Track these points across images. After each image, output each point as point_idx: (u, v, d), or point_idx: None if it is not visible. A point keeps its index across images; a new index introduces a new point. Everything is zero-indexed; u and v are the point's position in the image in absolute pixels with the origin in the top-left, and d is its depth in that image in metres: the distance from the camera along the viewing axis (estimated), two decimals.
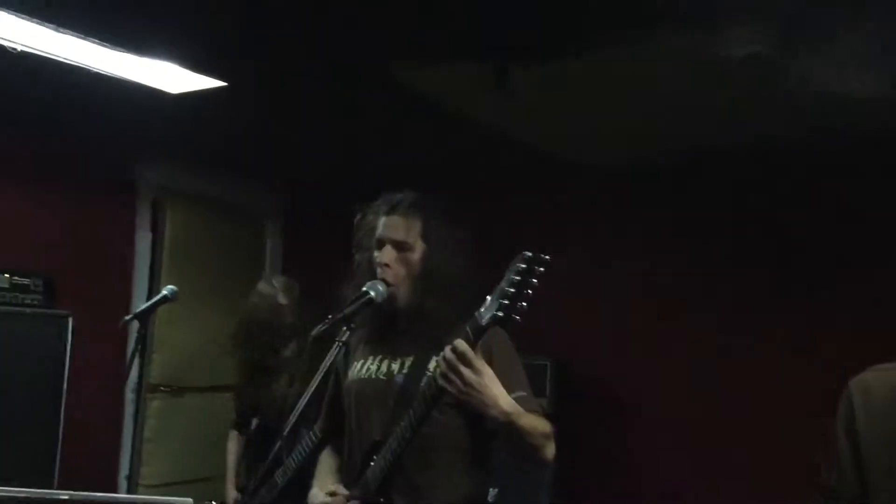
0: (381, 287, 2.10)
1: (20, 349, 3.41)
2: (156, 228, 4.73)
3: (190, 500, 1.66)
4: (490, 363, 1.95)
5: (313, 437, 3.07)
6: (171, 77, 3.38)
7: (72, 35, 2.82)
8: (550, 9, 2.81)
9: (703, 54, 2.96)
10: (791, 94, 3.22)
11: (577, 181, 4.56)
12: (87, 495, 1.62)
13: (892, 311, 3.69)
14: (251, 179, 5.14)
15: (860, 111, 3.35)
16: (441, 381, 1.90)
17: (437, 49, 3.22)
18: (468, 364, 1.86)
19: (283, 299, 3.66)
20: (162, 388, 4.73)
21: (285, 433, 1.99)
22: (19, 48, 2.87)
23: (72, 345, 3.53)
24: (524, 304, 1.79)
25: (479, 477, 2.18)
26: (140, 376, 4.54)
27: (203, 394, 4.81)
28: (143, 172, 4.64)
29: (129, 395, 4.49)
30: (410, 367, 2.14)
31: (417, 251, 2.16)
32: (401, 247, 2.16)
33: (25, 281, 3.50)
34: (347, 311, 2.05)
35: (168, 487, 4.62)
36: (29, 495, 1.56)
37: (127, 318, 2.92)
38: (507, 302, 1.79)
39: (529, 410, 2.01)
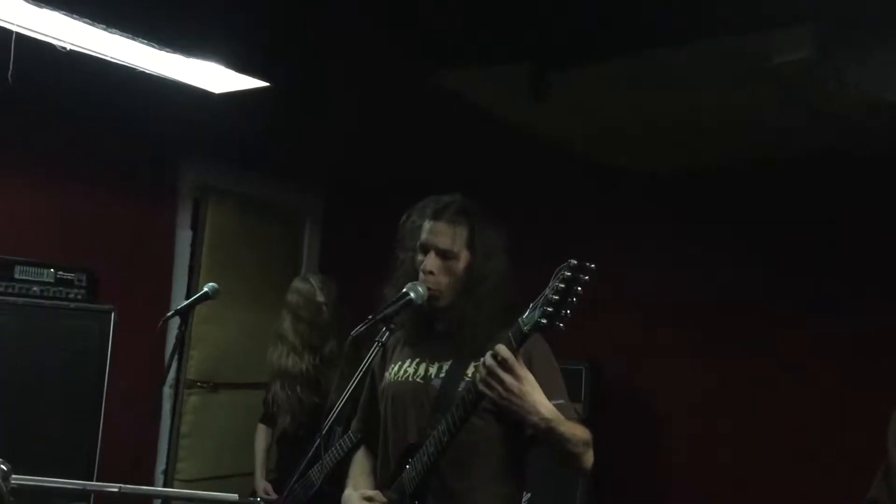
0: (420, 289, 2.10)
1: (64, 343, 3.46)
2: (196, 226, 4.78)
3: (235, 495, 1.68)
4: (530, 370, 1.94)
5: (351, 438, 3.10)
6: (214, 77, 3.42)
7: (120, 35, 2.86)
8: (590, 10, 2.80)
9: (749, 58, 2.93)
10: (838, 100, 3.17)
11: (613, 185, 4.53)
12: (135, 488, 1.64)
13: None
14: (290, 178, 5.18)
15: None
16: (481, 387, 1.89)
17: (475, 51, 3.22)
18: (510, 370, 1.86)
19: (320, 297, 3.69)
20: (199, 384, 4.79)
21: (324, 431, 2.00)
22: (69, 47, 2.91)
23: (113, 339, 3.58)
24: (569, 311, 1.78)
25: (514, 484, 2.18)
26: (178, 372, 4.64)
27: (238, 390, 4.85)
28: (185, 171, 4.70)
29: (167, 391, 4.55)
30: (448, 371, 2.14)
31: (462, 260, 2.16)
32: (445, 255, 2.15)
33: (70, 276, 3.55)
34: (387, 311, 2.05)
35: (203, 482, 4.67)
36: (84, 487, 1.59)
37: (168, 314, 2.96)
38: (551, 309, 1.79)
39: (568, 418, 2.00)
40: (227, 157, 4.78)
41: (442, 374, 2.15)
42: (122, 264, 4.21)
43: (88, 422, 3.51)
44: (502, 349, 1.86)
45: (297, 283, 3.80)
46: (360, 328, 2.00)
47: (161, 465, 4.48)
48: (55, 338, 3.43)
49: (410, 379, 2.20)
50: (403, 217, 2.31)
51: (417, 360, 2.22)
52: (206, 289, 3.00)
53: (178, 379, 4.65)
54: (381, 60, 3.43)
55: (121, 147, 4.27)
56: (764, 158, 4.05)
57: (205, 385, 4.81)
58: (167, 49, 2.97)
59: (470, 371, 2.11)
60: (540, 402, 1.91)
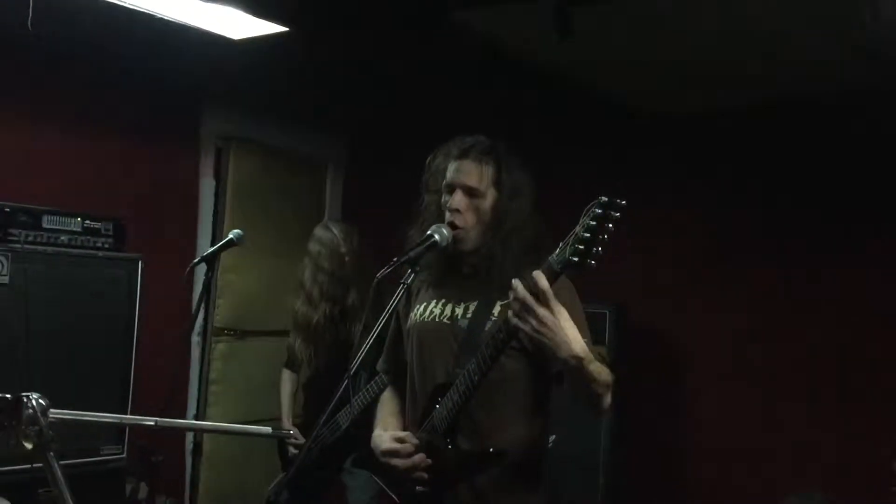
0: (445, 231, 2.09)
1: (93, 291, 3.50)
2: (219, 175, 4.79)
3: (269, 428, 1.70)
4: None
5: (377, 382, 3.12)
6: (233, 22, 3.39)
7: None
8: None
9: None
10: (874, 39, 3.09)
11: (635, 126, 4.47)
12: (171, 422, 1.66)
13: None
14: (312, 125, 5.16)
15: None
16: (514, 321, 1.84)
17: None
18: (544, 303, 1.81)
19: (343, 247, 3.66)
20: (227, 331, 4.84)
21: (351, 374, 2.01)
22: None
23: (141, 287, 3.62)
24: (600, 249, 1.73)
25: (541, 421, 2.18)
26: (206, 320, 4.69)
27: (265, 337, 4.90)
28: (207, 119, 4.69)
29: (195, 339, 4.61)
30: (475, 311, 2.14)
31: (489, 198, 2.13)
32: (472, 193, 2.13)
33: (97, 225, 3.56)
34: (412, 253, 2.04)
35: None
36: (121, 420, 1.61)
37: (194, 261, 2.97)
38: (582, 247, 1.73)
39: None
40: (249, 106, 4.77)
41: (469, 315, 2.14)
42: (148, 213, 4.24)
43: (120, 369, 3.56)
44: (541, 279, 1.79)
45: (320, 232, 3.74)
46: (384, 270, 1.99)
47: (192, 410, 4.57)
48: (84, 286, 3.47)
49: (437, 320, 2.19)
50: (428, 158, 2.28)
51: (443, 301, 2.21)
52: (231, 235, 3.01)
53: (205, 327, 4.71)
54: (400, 2, 3.38)
55: (143, 96, 4.26)
56: (789, 96, 3.96)
57: (232, 333, 4.86)
58: None
59: (496, 311, 2.10)
60: (573, 338, 1.85)
